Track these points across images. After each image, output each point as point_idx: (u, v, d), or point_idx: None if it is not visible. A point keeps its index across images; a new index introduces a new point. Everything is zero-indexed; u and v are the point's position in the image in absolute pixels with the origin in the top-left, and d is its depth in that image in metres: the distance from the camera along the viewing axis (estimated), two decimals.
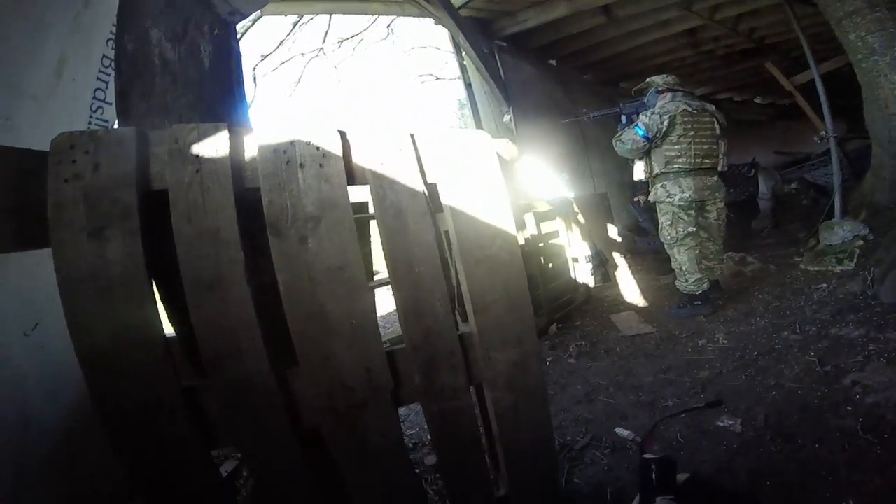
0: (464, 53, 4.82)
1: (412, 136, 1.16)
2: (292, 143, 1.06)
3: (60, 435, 1.75)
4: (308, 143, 1.06)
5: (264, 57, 8.74)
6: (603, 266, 4.59)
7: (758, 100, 10.45)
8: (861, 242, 3.47)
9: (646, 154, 3.45)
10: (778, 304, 3.24)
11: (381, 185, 1.08)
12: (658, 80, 3.53)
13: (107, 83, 2.13)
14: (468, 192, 1.13)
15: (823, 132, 4.33)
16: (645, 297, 4.18)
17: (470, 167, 1.15)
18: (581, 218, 4.54)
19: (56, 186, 0.96)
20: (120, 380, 0.94)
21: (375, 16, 6.64)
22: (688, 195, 3.30)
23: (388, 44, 10.08)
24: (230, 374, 0.98)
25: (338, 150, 1.08)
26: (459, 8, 4.44)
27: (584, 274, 4.35)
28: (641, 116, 3.39)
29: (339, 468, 1.08)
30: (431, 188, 1.13)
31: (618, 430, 2.06)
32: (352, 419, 1.05)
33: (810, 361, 2.31)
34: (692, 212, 3.34)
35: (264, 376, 1.00)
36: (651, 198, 3.54)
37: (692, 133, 3.27)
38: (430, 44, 10.66)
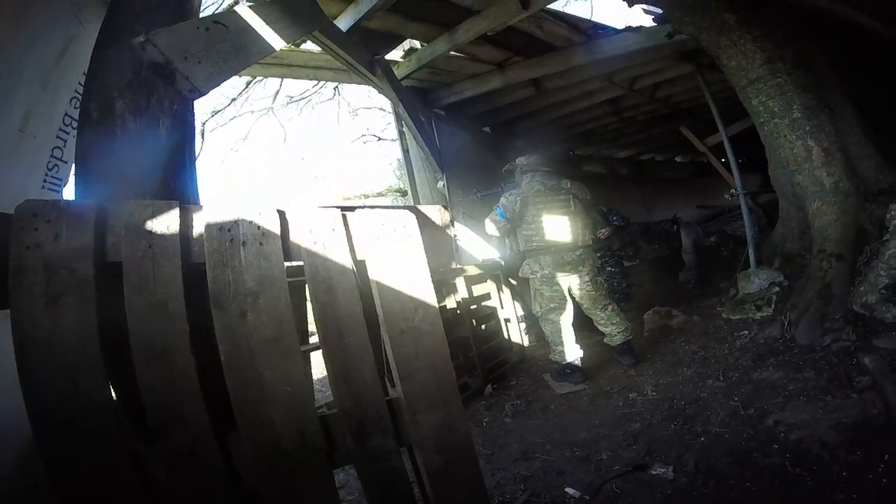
0: (402, 122, 5.03)
1: (344, 216, 1.26)
2: (236, 221, 1.14)
3: None
4: (251, 223, 1.15)
5: (215, 113, 8.78)
6: (536, 326, 4.66)
7: (678, 158, 11.22)
8: (777, 289, 3.64)
9: (512, 233, 3.61)
10: (703, 353, 3.35)
11: (315, 262, 1.18)
12: (522, 160, 3.73)
13: (65, 141, 2.11)
14: (393, 268, 1.23)
15: (733, 189, 4.66)
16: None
17: (395, 246, 1.25)
18: (512, 280, 4.64)
19: (17, 253, 1.00)
20: (71, 442, 0.96)
21: (324, 81, 6.88)
22: (547, 272, 3.46)
23: (334, 104, 10.37)
24: (175, 439, 1.02)
25: (277, 229, 1.17)
26: (402, 79, 4.66)
27: (517, 334, 4.43)
28: (502, 198, 3.58)
29: None
30: (360, 264, 1.23)
31: (567, 489, 2.14)
32: (289, 481, 1.09)
33: (735, 406, 2.41)
34: (556, 286, 3.48)
35: (207, 442, 1.04)
36: (520, 273, 3.67)
37: (544, 212, 3.46)
38: (374, 105, 10.98)
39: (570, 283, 3.54)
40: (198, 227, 1.14)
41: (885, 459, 1.72)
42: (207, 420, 1.04)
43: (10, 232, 1.02)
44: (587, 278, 3.54)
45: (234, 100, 8.55)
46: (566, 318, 3.53)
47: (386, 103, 10.06)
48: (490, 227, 3.58)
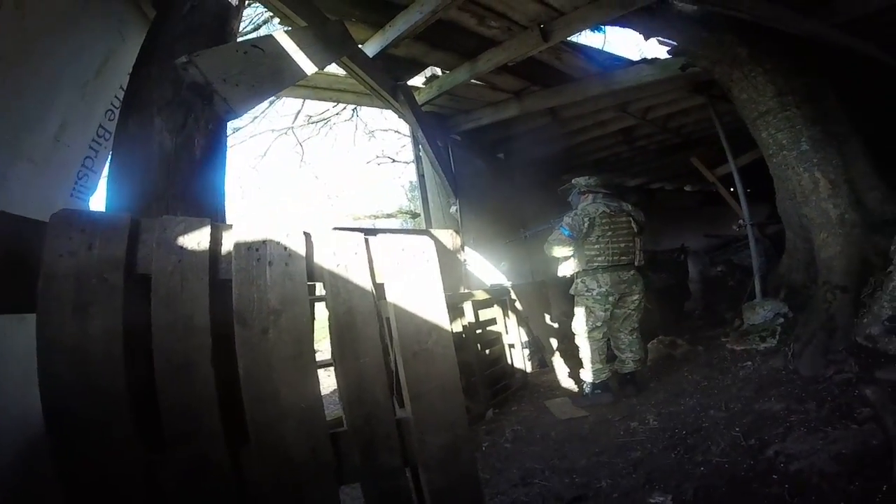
0: (420, 146, 5.09)
1: (366, 239, 1.28)
2: (264, 242, 1.16)
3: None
4: (278, 243, 1.17)
5: (236, 130, 8.90)
6: (539, 352, 4.72)
7: (688, 188, 11.19)
8: (782, 320, 3.64)
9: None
10: (706, 383, 3.35)
11: (337, 284, 1.20)
12: (581, 181, 3.84)
13: (97, 152, 2.15)
14: (410, 292, 1.25)
15: (741, 220, 4.70)
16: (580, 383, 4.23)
17: (413, 270, 1.27)
18: (518, 305, 4.66)
19: (50, 259, 1.00)
20: (86, 446, 0.96)
21: (346, 104, 6.97)
22: (604, 289, 3.51)
23: (352, 125, 10.47)
24: (190, 449, 1.03)
25: (302, 250, 1.19)
26: (422, 105, 4.74)
27: (520, 360, 4.43)
28: (565, 218, 3.64)
29: None
30: (378, 286, 1.25)
31: None
32: (297, 495, 1.09)
33: (736, 436, 2.40)
34: (608, 305, 3.54)
35: (220, 454, 1.04)
36: (571, 291, 3.72)
37: (609, 233, 3.53)
38: (390, 127, 11.07)
39: (619, 301, 3.60)
40: (226, 246, 1.17)
41: (882, 490, 1.72)
42: (222, 433, 1.05)
43: (43, 238, 1.03)
44: (636, 297, 3.62)
45: (255, 118, 8.68)
46: (605, 339, 3.60)
47: (401, 126, 10.18)
48: (555, 248, 3.64)
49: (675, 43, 4.09)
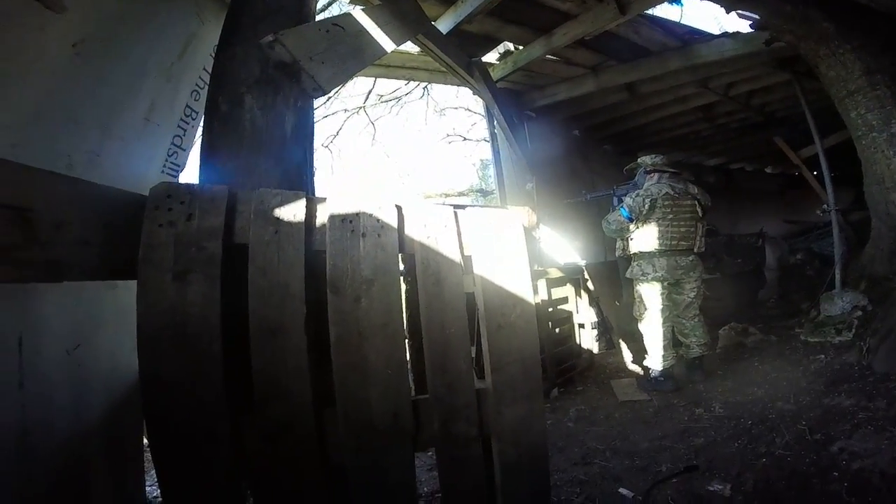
0: (495, 122, 5.04)
1: (455, 213, 1.30)
2: (358, 214, 1.20)
3: (73, 451, 1.70)
4: (371, 216, 1.21)
5: None
6: (607, 333, 4.61)
7: (768, 170, 10.54)
8: (860, 313, 3.44)
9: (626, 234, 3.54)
10: (776, 374, 3.24)
11: (427, 255, 1.22)
12: (647, 160, 3.63)
13: (185, 131, 2.25)
14: (497, 266, 1.26)
15: (826, 205, 4.38)
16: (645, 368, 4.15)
17: (500, 244, 1.28)
18: (590, 285, 4.58)
19: (150, 229, 1.06)
20: (178, 405, 1.02)
21: (419, 81, 6.98)
22: (659, 274, 3.38)
23: (422, 104, 10.39)
24: (277, 411, 1.08)
25: (394, 222, 1.23)
26: (497, 81, 4.69)
27: (588, 340, 4.37)
28: (626, 199, 3.50)
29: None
30: (466, 259, 1.27)
31: (621, 490, 2.16)
32: (376, 458, 1.14)
33: (801, 430, 2.34)
34: (662, 291, 3.41)
35: (306, 416, 1.09)
36: (627, 274, 3.61)
37: (671, 216, 3.36)
38: (461, 105, 10.91)
39: (677, 287, 3.49)
40: (320, 218, 1.21)
41: None
42: (310, 396, 1.09)
43: (143, 210, 1.08)
44: (694, 284, 3.49)
45: (329, 98, 8.81)
46: (668, 324, 3.49)
47: (472, 104, 10.12)
48: (610, 227, 3.58)
49: (756, 16, 3.85)
